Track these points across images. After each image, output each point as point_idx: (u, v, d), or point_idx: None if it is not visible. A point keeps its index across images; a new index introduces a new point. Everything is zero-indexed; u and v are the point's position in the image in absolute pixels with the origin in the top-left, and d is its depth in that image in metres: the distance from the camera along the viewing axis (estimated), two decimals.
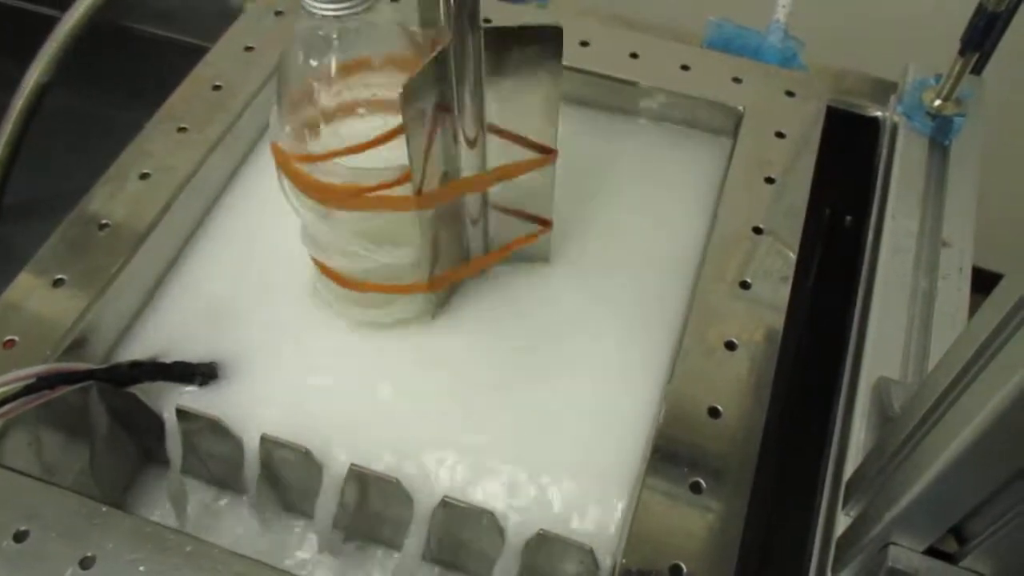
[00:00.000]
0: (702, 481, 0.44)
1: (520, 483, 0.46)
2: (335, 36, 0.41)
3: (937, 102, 0.57)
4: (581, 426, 0.48)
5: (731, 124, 0.60)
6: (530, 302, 0.53)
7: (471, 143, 0.45)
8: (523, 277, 0.54)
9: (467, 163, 0.46)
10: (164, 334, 0.51)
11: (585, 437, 0.48)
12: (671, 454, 0.45)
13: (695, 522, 0.42)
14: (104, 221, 0.52)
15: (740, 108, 0.59)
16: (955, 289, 0.50)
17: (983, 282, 0.46)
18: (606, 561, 0.44)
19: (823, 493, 0.44)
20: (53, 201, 0.56)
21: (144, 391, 0.49)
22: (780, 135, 0.57)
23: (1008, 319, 0.27)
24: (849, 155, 0.60)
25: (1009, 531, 0.29)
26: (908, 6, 0.97)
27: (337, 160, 0.42)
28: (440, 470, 0.47)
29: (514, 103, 0.44)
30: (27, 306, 0.49)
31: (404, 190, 0.43)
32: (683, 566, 0.41)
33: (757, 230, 0.53)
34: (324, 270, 0.49)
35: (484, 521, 0.46)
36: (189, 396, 0.49)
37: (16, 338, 0.47)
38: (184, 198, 0.54)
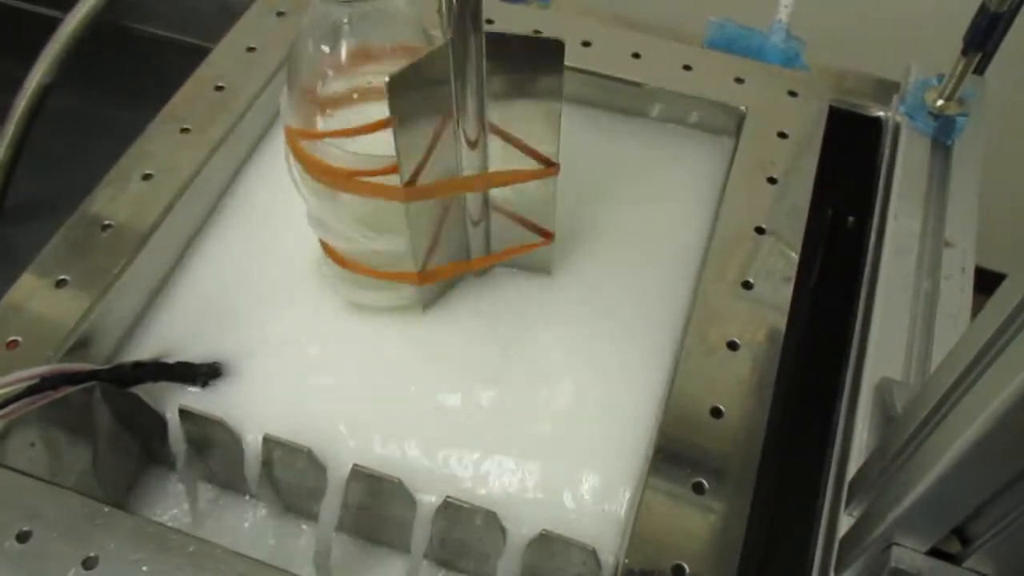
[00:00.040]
0: (704, 481, 0.44)
1: (522, 483, 0.46)
2: (346, 21, 0.41)
3: (939, 102, 0.57)
4: (583, 426, 0.48)
5: (733, 124, 0.60)
6: (531, 301, 0.53)
7: (471, 144, 0.45)
8: (524, 277, 0.54)
9: (468, 163, 0.46)
10: (167, 334, 0.51)
11: (587, 437, 0.48)
12: (673, 454, 0.45)
13: (697, 522, 0.42)
14: (107, 222, 0.52)
15: (742, 108, 0.59)
16: (958, 289, 0.50)
17: (986, 282, 0.46)
18: (608, 561, 0.44)
19: (825, 493, 0.44)
20: (55, 202, 0.56)
21: (147, 391, 0.49)
22: (782, 135, 0.57)
23: (1011, 319, 0.27)
24: (851, 155, 0.59)
25: (1012, 532, 0.29)
26: (910, 6, 0.97)
27: (339, 143, 0.43)
28: (442, 470, 0.47)
29: (516, 111, 0.44)
30: (30, 307, 0.49)
31: (396, 180, 0.43)
32: (685, 566, 0.41)
33: (759, 230, 0.53)
34: (326, 249, 0.50)
35: (486, 521, 0.46)
36: (192, 396, 0.49)
37: (19, 339, 0.47)
38: (186, 199, 0.54)
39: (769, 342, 0.48)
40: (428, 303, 0.52)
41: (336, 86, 0.43)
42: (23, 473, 0.44)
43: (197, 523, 0.54)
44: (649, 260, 0.55)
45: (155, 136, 0.56)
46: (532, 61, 0.41)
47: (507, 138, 0.45)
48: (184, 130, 0.57)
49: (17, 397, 0.43)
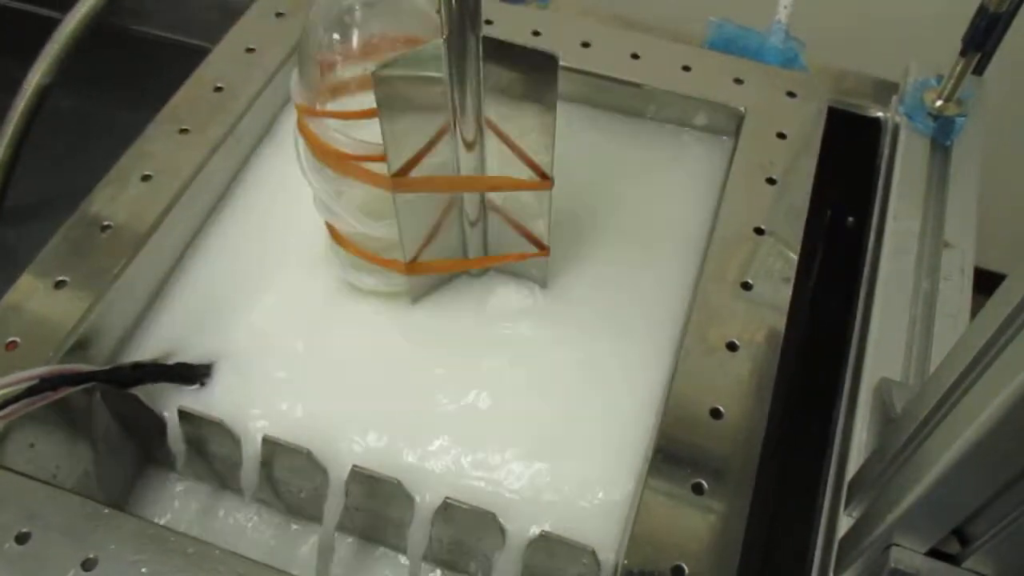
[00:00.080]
0: (704, 482, 0.44)
1: (522, 484, 0.46)
2: (357, 9, 0.41)
3: (938, 103, 0.57)
4: (583, 427, 0.48)
5: (732, 125, 0.60)
6: (530, 301, 0.53)
7: (468, 145, 0.45)
8: (524, 276, 0.54)
9: (464, 164, 0.46)
10: (166, 335, 0.51)
11: (587, 438, 0.48)
12: (673, 455, 0.45)
13: (697, 523, 0.42)
14: (106, 223, 0.52)
15: (741, 109, 0.59)
16: (957, 290, 0.50)
17: (985, 282, 0.46)
18: (608, 561, 0.44)
19: (825, 494, 0.44)
20: (55, 203, 0.56)
21: (146, 392, 0.49)
22: (781, 136, 0.57)
23: (1010, 320, 0.27)
24: (850, 156, 0.59)
25: (1011, 532, 0.29)
26: (909, 7, 0.97)
27: (344, 128, 0.43)
28: (441, 471, 0.47)
29: (512, 119, 0.44)
30: (29, 308, 0.49)
31: (384, 168, 0.43)
32: (685, 567, 0.41)
33: (758, 231, 0.53)
34: (330, 229, 0.50)
35: (486, 522, 0.46)
36: (191, 397, 0.49)
37: (18, 340, 0.47)
38: (186, 200, 0.54)
39: (768, 343, 0.48)
40: (418, 295, 0.52)
41: (344, 73, 0.44)
42: (23, 474, 0.44)
43: (196, 524, 0.54)
44: (649, 260, 0.55)
45: (154, 137, 0.56)
46: (526, 71, 0.41)
47: (508, 144, 0.45)
48: (183, 131, 0.57)
49: (17, 398, 0.43)
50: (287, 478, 0.51)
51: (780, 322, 0.49)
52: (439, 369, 0.50)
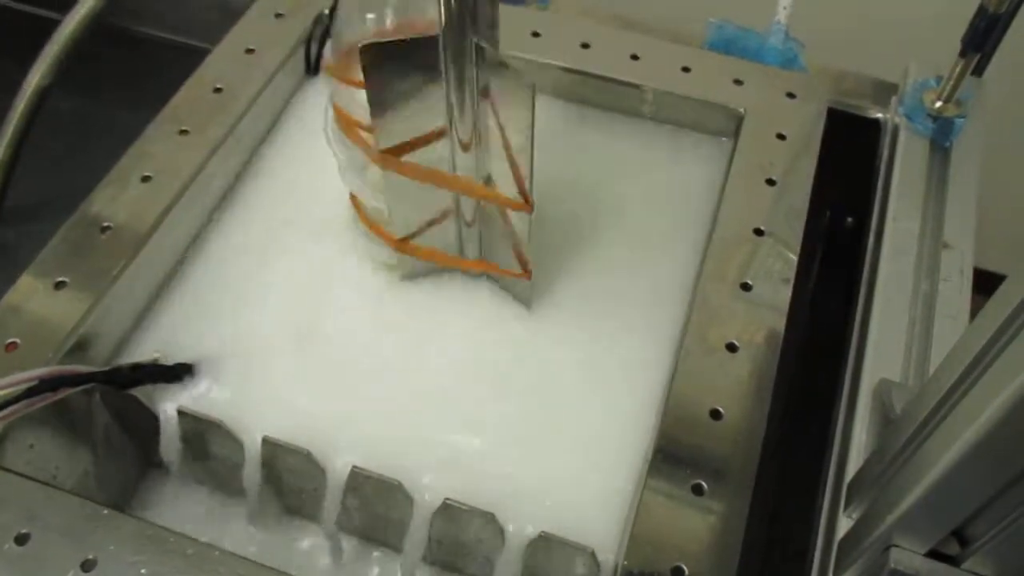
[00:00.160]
0: (704, 483, 0.44)
1: (521, 484, 0.46)
2: None
3: (938, 103, 0.57)
4: (582, 427, 0.48)
5: (732, 126, 0.60)
6: (530, 302, 0.53)
7: (464, 146, 0.45)
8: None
9: (461, 165, 0.46)
10: (165, 336, 0.51)
11: (586, 438, 0.48)
12: (672, 456, 0.45)
13: (697, 524, 0.42)
14: (106, 224, 0.52)
15: (741, 110, 0.59)
16: (956, 291, 0.50)
17: (984, 283, 0.46)
18: (608, 562, 0.44)
19: (824, 495, 0.44)
20: (55, 203, 0.56)
21: (145, 393, 0.49)
22: (781, 137, 0.57)
23: (1010, 321, 0.27)
24: (850, 157, 0.59)
25: (1011, 533, 0.29)
26: (908, 8, 0.97)
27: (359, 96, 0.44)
28: (441, 471, 0.47)
29: (505, 133, 0.44)
30: (29, 308, 0.49)
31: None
32: (684, 567, 0.41)
33: (758, 232, 0.53)
34: (351, 199, 0.53)
35: (485, 522, 0.46)
36: (191, 398, 0.49)
37: (18, 341, 0.47)
38: (185, 200, 0.54)
39: (768, 343, 0.48)
40: (408, 273, 0.53)
41: None
42: (22, 475, 0.44)
43: (196, 525, 0.54)
44: (648, 261, 0.55)
45: (154, 137, 0.56)
46: (504, 88, 0.42)
47: (508, 156, 0.45)
48: (183, 131, 0.57)
49: (16, 399, 0.43)
50: (287, 479, 0.51)
51: (780, 323, 0.49)
52: (440, 370, 0.50)
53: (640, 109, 0.61)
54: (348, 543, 0.54)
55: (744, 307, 0.50)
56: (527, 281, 0.51)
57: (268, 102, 0.60)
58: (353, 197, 0.53)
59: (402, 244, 0.51)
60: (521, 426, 0.48)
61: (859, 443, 0.44)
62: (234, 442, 0.48)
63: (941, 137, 0.57)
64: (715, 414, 0.46)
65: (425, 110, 0.44)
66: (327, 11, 0.62)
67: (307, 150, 0.60)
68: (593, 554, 0.44)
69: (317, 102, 0.63)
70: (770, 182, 0.55)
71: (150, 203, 0.53)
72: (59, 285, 0.50)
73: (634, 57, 0.61)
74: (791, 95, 0.60)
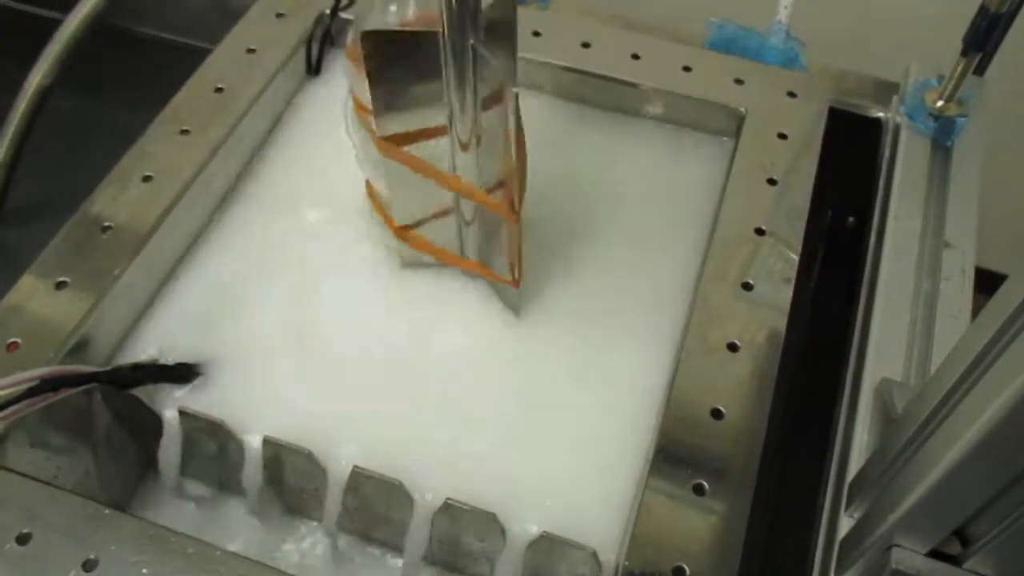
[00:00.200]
0: (705, 482, 0.44)
1: (523, 484, 0.46)
2: None
3: (939, 103, 0.57)
4: (583, 427, 0.48)
5: (733, 125, 0.60)
6: (530, 301, 0.53)
7: (463, 145, 0.45)
8: (525, 272, 0.54)
9: (460, 164, 0.46)
10: (166, 336, 0.51)
11: (588, 438, 0.48)
12: (674, 456, 0.44)
13: (698, 524, 0.42)
14: (107, 223, 0.52)
15: (742, 109, 0.59)
16: (958, 290, 0.50)
17: (986, 283, 0.46)
18: (609, 562, 0.44)
19: (826, 495, 0.44)
20: (55, 203, 0.56)
21: (146, 393, 0.49)
22: (782, 136, 0.57)
23: (1012, 320, 0.27)
24: (851, 156, 0.59)
25: (1013, 533, 0.29)
26: (909, 7, 0.97)
27: None
28: (442, 471, 0.47)
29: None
30: (30, 308, 0.49)
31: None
32: (685, 567, 0.41)
33: (759, 231, 0.53)
34: (367, 182, 0.53)
35: (486, 522, 0.46)
36: (191, 398, 0.49)
37: (19, 340, 0.47)
38: (186, 200, 0.54)
39: (769, 343, 0.48)
40: (409, 260, 0.53)
41: None
42: (23, 475, 0.44)
43: (197, 525, 0.54)
44: (649, 260, 0.55)
45: (155, 137, 0.56)
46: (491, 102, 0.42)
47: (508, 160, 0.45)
48: (184, 131, 0.57)
49: (17, 399, 0.43)
50: (288, 479, 0.51)
51: (781, 322, 0.49)
52: (440, 370, 0.50)
53: (641, 109, 0.61)
54: (348, 543, 0.54)
55: (745, 307, 0.50)
56: (514, 290, 0.51)
57: (269, 102, 0.60)
58: (368, 184, 0.53)
59: (402, 231, 0.51)
60: (522, 426, 0.48)
61: (860, 443, 0.44)
62: (235, 442, 0.48)
63: (942, 136, 0.57)
64: (716, 414, 0.46)
65: (427, 105, 0.44)
66: (328, 11, 0.63)
67: (308, 151, 0.60)
68: (594, 554, 0.44)
69: (318, 102, 0.63)
70: (771, 181, 0.55)
71: (151, 203, 0.53)
72: (60, 285, 0.50)
73: (635, 57, 0.61)
74: (792, 94, 0.60)
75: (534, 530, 0.45)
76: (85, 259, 0.51)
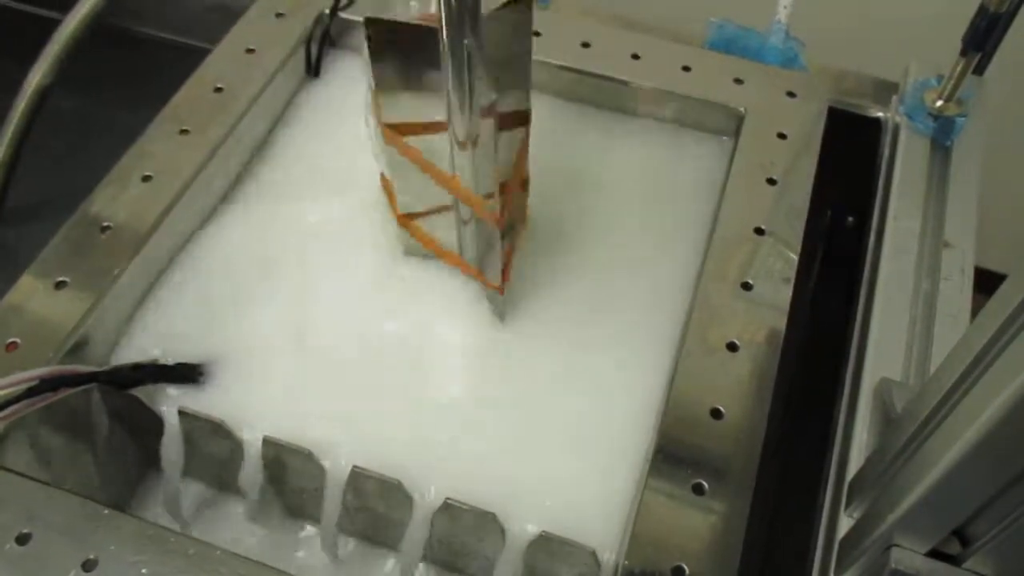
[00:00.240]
0: (704, 482, 0.44)
1: (522, 484, 0.46)
2: None
3: (939, 103, 0.57)
4: (583, 427, 0.48)
5: (732, 125, 0.60)
6: (529, 301, 0.53)
7: (461, 144, 0.45)
8: (526, 271, 0.54)
9: (459, 163, 0.46)
10: (166, 336, 0.51)
11: (587, 438, 0.48)
12: (673, 455, 0.44)
13: (697, 523, 0.42)
14: (106, 223, 0.52)
15: (741, 109, 0.59)
16: (957, 290, 0.50)
17: (985, 282, 0.46)
18: (609, 562, 0.44)
19: (825, 494, 0.44)
20: (55, 203, 0.56)
21: (146, 393, 0.49)
22: (782, 136, 0.57)
23: (1011, 320, 0.27)
24: (851, 156, 0.59)
25: (1012, 532, 0.29)
26: (909, 7, 0.97)
27: None
28: (441, 471, 0.47)
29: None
30: (29, 308, 0.49)
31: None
32: (685, 567, 0.41)
33: (759, 231, 0.53)
34: (381, 174, 0.53)
35: (486, 522, 0.46)
36: (191, 398, 0.49)
37: (18, 340, 0.47)
38: (186, 200, 0.54)
39: (769, 343, 0.48)
40: (409, 249, 0.54)
41: None
42: (23, 475, 0.44)
43: (197, 525, 0.54)
44: (648, 260, 0.55)
45: (155, 137, 0.56)
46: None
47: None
48: (184, 131, 0.57)
49: (17, 399, 0.43)
50: (287, 478, 0.51)
51: (780, 322, 0.49)
52: (440, 370, 0.50)
53: (640, 108, 0.61)
54: (348, 543, 0.54)
55: (745, 306, 0.50)
56: (498, 295, 0.51)
57: (268, 102, 0.60)
58: (383, 176, 0.53)
59: (404, 220, 0.52)
60: (522, 426, 0.48)
61: (860, 442, 0.44)
62: (234, 441, 0.48)
63: (942, 136, 0.57)
64: (716, 413, 0.46)
65: (428, 98, 0.44)
66: (327, 11, 0.63)
67: (308, 150, 0.60)
68: (594, 554, 0.44)
69: (318, 103, 0.63)
70: (771, 181, 0.55)
71: (150, 203, 0.53)
72: (59, 285, 0.50)
73: (635, 56, 0.61)
74: (792, 94, 0.60)
75: (534, 530, 0.45)
76: (84, 259, 0.51)
